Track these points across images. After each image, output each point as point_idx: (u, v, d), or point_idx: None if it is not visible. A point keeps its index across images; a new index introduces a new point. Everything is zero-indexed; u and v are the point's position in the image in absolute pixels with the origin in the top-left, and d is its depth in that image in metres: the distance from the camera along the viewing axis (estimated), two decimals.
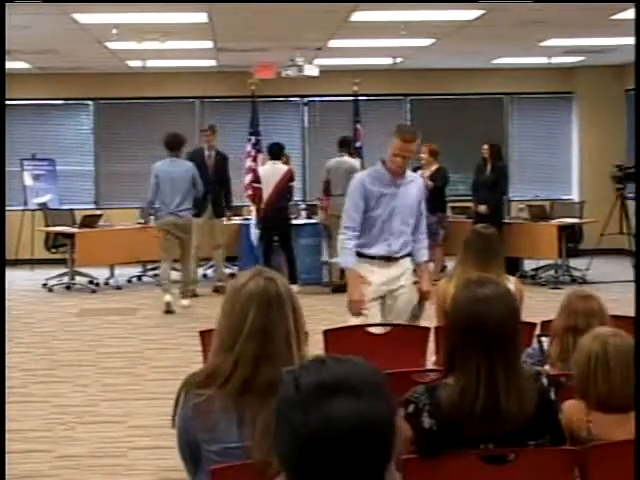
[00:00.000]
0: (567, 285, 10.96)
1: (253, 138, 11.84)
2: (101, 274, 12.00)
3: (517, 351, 2.90)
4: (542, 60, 13.40)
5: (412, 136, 5.53)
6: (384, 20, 9.51)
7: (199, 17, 9.19)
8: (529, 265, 12.11)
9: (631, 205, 12.38)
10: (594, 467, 2.91)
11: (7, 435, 5.36)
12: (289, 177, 11.14)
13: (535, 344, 4.15)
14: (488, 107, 14.89)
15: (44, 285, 11.78)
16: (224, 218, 11.50)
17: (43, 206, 12.94)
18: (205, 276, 12.29)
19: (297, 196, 12.92)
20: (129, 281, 12.25)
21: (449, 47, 11.72)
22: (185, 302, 10.19)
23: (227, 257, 11.83)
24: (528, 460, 2.85)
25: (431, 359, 4.92)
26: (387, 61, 13.29)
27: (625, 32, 9.97)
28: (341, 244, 5.67)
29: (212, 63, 13.18)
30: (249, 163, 11.64)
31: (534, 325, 4.58)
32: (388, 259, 5.62)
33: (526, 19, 9.61)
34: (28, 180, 13.65)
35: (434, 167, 11.71)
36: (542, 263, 12.05)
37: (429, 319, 5.34)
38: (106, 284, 11.99)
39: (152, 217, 10.97)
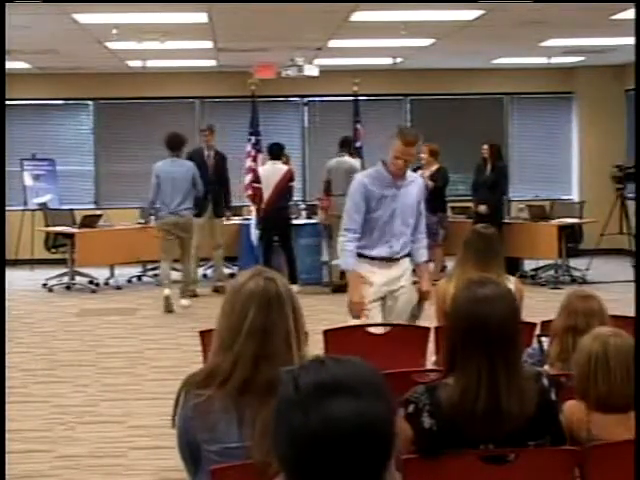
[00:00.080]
0: (567, 285, 10.96)
1: (253, 138, 11.85)
2: (101, 274, 12.00)
3: (518, 351, 2.90)
4: (542, 60, 13.40)
5: (414, 139, 5.52)
6: (384, 20, 9.51)
7: (199, 17, 9.19)
8: (529, 265, 12.11)
9: (631, 205, 12.39)
10: (594, 467, 2.91)
11: (7, 435, 5.36)
12: (289, 177, 11.14)
13: (535, 344, 4.15)
14: (488, 107, 14.89)
15: (44, 285, 11.78)
16: (224, 218, 11.51)
17: (43, 206, 12.94)
18: (205, 276, 12.29)
19: (297, 196, 12.91)
20: (129, 281, 12.25)
21: (449, 47, 11.72)
22: (185, 302, 10.20)
23: (227, 257, 11.83)
24: (528, 460, 2.85)
25: (431, 359, 4.92)
26: (387, 61, 13.29)
27: (625, 32, 9.98)
28: (341, 246, 5.65)
29: (212, 63, 13.18)
30: (249, 163, 11.64)
31: (534, 325, 4.58)
32: (389, 260, 5.62)
33: (526, 19, 9.61)
34: (28, 180, 13.65)
35: (434, 167, 11.71)
36: (542, 263, 12.05)
37: (429, 319, 5.33)
38: (106, 284, 11.99)
39: (152, 217, 10.96)
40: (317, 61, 12.39)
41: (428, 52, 12.13)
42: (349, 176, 10.75)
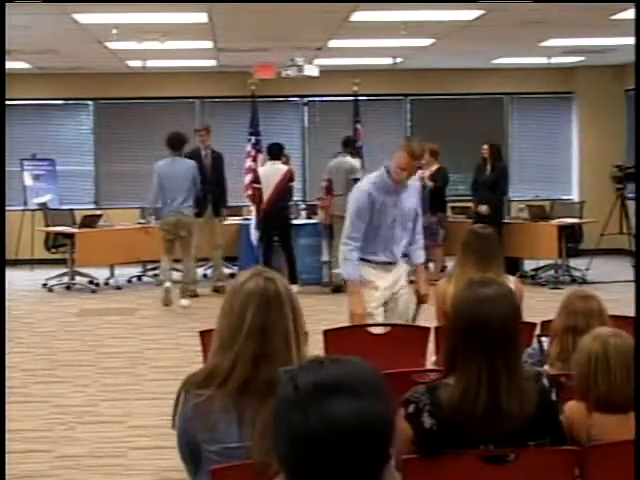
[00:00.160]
0: (567, 285, 10.96)
1: (253, 138, 11.84)
2: (101, 274, 12.00)
3: (518, 351, 2.90)
4: (542, 60, 13.40)
5: (420, 153, 5.66)
6: (384, 20, 9.51)
7: (199, 17, 9.19)
8: (529, 265, 12.11)
9: (631, 205, 12.39)
10: (594, 467, 2.91)
11: (7, 435, 5.36)
12: (289, 177, 11.14)
13: (535, 344, 4.15)
14: (488, 107, 14.89)
15: (44, 285, 11.77)
16: (222, 217, 11.51)
17: (43, 206, 12.94)
18: (205, 276, 12.28)
19: (297, 196, 12.91)
20: (129, 281, 12.25)
21: (449, 47, 11.72)
22: (185, 302, 10.20)
23: (227, 257, 11.83)
24: (528, 460, 2.85)
25: (431, 359, 4.92)
26: (387, 61, 13.29)
27: (625, 32, 9.97)
28: (344, 255, 5.67)
29: (212, 63, 13.18)
30: (249, 163, 11.64)
31: (534, 325, 4.58)
32: (389, 264, 5.71)
33: (526, 19, 9.60)
34: (28, 180, 13.65)
35: (434, 167, 11.71)
36: (542, 263, 12.05)
37: (429, 319, 5.34)
38: (106, 284, 11.99)
39: (152, 217, 10.94)
40: (317, 61, 12.39)
41: (428, 52, 12.13)
42: (348, 176, 10.81)
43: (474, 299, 2.89)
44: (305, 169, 14.68)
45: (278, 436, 1.52)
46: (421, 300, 5.83)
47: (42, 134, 14.35)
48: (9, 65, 11.43)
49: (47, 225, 12.31)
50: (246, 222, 11.99)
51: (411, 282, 6.05)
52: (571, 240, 11.84)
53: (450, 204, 12.40)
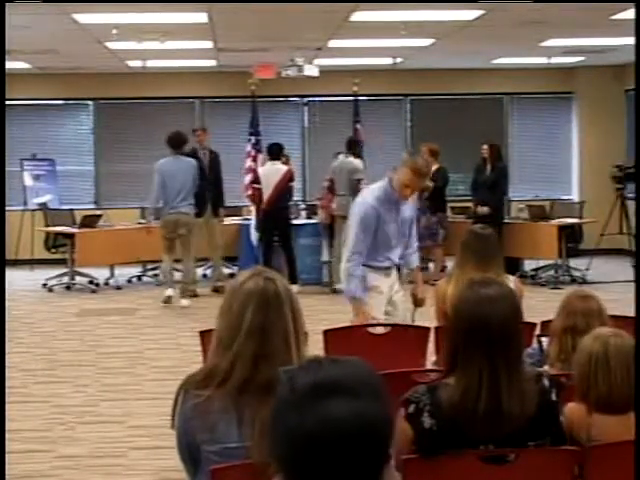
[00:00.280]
0: (567, 285, 10.96)
1: (253, 138, 11.85)
2: (101, 274, 12.00)
3: (519, 352, 2.90)
4: (542, 60, 13.40)
5: (426, 172, 5.71)
6: (384, 20, 9.51)
7: (199, 17, 9.19)
8: (529, 265, 12.11)
9: (631, 205, 12.38)
10: (594, 467, 2.91)
11: (7, 435, 5.36)
12: (289, 177, 11.14)
13: (535, 344, 4.15)
14: (488, 107, 14.88)
15: (44, 285, 11.77)
16: (221, 218, 11.51)
17: (43, 206, 12.93)
18: (205, 276, 12.28)
19: (297, 196, 12.91)
20: (129, 281, 12.25)
21: (449, 47, 11.72)
22: (185, 302, 10.21)
23: (227, 257, 11.83)
24: (528, 460, 2.85)
25: (431, 359, 4.92)
26: (387, 61, 13.28)
27: (625, 32, 9.97)
28: (349, 271, 5.63)
29: (212, 63, 13.18)
30: (249, 163, 11.64)
31: (534, 325, 4.58)
32: (388, 268, 5.77)
33: (526, 19, 9.60)
34: (28, 180, 13.64)
35: (434, 167, 11.67)
36: (542, 263, 12.05)
37: (429, 319, 5.34)
38: (106, 284, 11.99)
39: (152, 217, 10.92)
40: (317, 61, 12.39)
41: (428, 52, 12.13)
42: (351, 177, 10.82)
43: (475, 299, 2.88)
44: (305, 169, 14.68)
45: (275, 437, 1.52)
46: (418, 303, 5.86)
47: (42, 134, 14.35)
48: (9, 65, 11.43)
49: (47, 225, 12.31)
50: (246, 222, 11.99)
51: (410, 282, 6.07)
52: (571, 240, 11.83)
53: (450, 204, 12.39)
